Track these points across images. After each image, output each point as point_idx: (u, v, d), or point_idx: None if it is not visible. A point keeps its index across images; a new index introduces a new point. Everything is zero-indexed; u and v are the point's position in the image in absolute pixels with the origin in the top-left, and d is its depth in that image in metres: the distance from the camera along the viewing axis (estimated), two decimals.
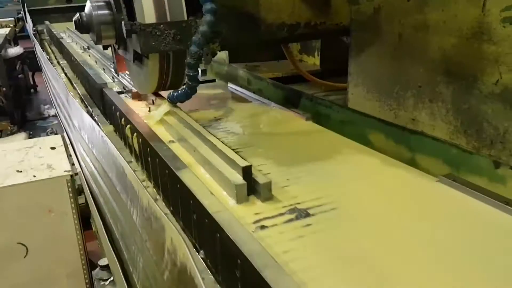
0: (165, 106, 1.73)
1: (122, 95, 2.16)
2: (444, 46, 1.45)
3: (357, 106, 1.85)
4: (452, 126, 1.49)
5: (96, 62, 3.06)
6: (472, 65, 1.38)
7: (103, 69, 2.78)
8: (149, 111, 1.89)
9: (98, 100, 2.17)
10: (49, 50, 4.74)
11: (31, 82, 9.09)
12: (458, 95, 1.44)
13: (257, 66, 3.04)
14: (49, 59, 3.94)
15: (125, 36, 1.54)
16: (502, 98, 1.32)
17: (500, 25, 1.29)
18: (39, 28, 6.18)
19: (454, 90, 1.45)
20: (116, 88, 2.29)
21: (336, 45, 2.53)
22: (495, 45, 1.31)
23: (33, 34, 4.92)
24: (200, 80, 2.24)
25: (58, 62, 3.74)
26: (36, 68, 7.85)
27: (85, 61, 3.04)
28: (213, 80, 2.50)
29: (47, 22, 5.86)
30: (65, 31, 4.81)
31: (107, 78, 2.61)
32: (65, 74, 3.23)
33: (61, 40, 4.04)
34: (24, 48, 7.82)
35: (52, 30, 4.95)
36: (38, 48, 4.65)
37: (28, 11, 6.39)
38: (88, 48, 3.57)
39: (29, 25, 5.97)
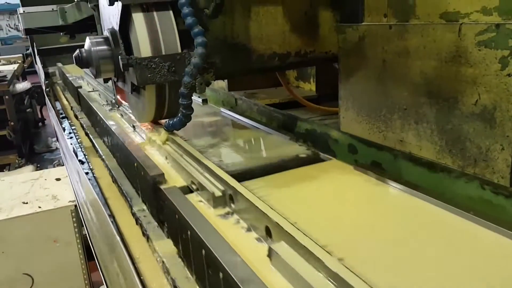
0: (163, 134, 1.80)
1: (193, 197, 1.33)
2: (425, 70, 1.52)
3: (349, 129, 1.91)
4: (437, 146, 1.54)
5: (134, 127, 2.12)
6: (452, 87, 1.44)
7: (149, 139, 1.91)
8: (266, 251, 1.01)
9: (149, 197, 1.38)
10: (63, 98, 3.91)
11: (39, 115, 9.28)
12: (441, 116, 1.50)
13: (255, 93, 3.13)
14: (63, 111, 3.24)
15: (122, 70, 1.63)
16: (482, 118, 1.37)
17: (475, 49, 1.35)
18: (50, 70, 5.24)
19: (437, 111, 1.51)
20: (180, 182, 1.46)
21: (330, 71, 2.61)
22: (472, 67, 1.37)
23: (46, 91, 4.06)
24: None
25: (76, 116, 2.99)
26: (44, 102, 8.02)
27: (118, 128, 1.96)
28: (321, 159, 1.63)
29: (59, 64, 4.94)
30: (83, 77, 3.89)
31: (160, 158, 1.70)
32: (87, 135, 2.44)
33: (79, 90, 3.16)
34: (32, 83, 8.03)
35: (67, 74, 4.09)
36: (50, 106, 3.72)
37: (38, 51, 5.52)
38: (117, 104, 2.68)
39: (39, 67, 4.98)
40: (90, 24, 3.08)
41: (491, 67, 1.31)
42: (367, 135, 1.81)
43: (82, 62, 1.77)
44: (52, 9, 3.93)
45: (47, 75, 4.74)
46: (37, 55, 5.32)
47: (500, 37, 1.27)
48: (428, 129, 1.56)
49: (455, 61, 1.42)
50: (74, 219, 2.81)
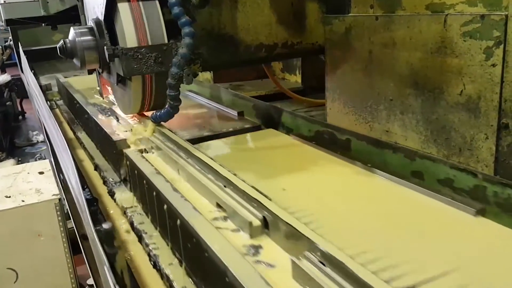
0: (150, 125, 1.78)
1: None
2: (411, 61, 1.54)
3: (335, 120, 1.92)
4: (422, 136, 1.56)
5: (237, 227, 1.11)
6: (438, 78, 1.47)
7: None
8: None
9: None
10: (75, 144, 2.40)
11: (19, 108, 9.12)
12: (426, 107, 1.52)
13: (240, 85, 3.13)
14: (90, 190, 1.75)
15: (107, 60, 1.61)
16: (466, 108, 1.40)
17: (461, 39, 1.37)
18: (43, 81, 3.62)
19: (423, 101, 1.53)
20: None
21: (316, 63, 2.63)
22: (458, 58, 1.39)
23: None
24: None
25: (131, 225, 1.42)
26: (24, 95, 7.87)
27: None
28: None
29: (61, 78, 3.17)
30: (114, 110, 2.23)
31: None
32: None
33: (128, 154, 1.60)
34: (11, 76, 7.87)
35: (79, 102, 2.39)
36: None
37: (26, 53, 3.66)
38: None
39: (30, 81, 3.25)
40: (73, 15, 3.03)
41: (476, 57, 1.33)
42: (353, 126, 1.83)
43: (67, 53, 1.75)
44: None
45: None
46: (23, 56, 3.58)
47: (485, 27, 1.29)
48: (414, 120, 1.58)
49: (440, 52, 1.44)
50: (58, 213, 2.77)
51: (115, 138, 1.70)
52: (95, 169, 1.95)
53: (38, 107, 2.80)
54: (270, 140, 1.84)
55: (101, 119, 2.04)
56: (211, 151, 1.66)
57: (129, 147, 1.66)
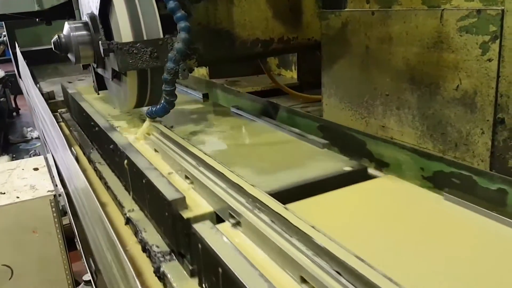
0: (146, 122, 1.77)
1: None
2: (408, 56, 1.54)
3: (331, 116, 1.92)
4: (419, 131, 1.56)
5: None
6: (434, 73, 1.47)
7: None
8: None
9: None
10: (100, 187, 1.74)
11: (13, 105, 9.07)
12: (422, 102, 1.52)
13: (236, 81, 3.12)
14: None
15: (102, 55, 1.60)
16: (463, 103, 1.40)
17: (457, 34, 1.37)
18: (43, 86, 3.30)
19: (419, 97, 1.53)
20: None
21: (312, 59, 2.62)
22: (454, 53, 1.39)
23: None
24: None
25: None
26: (18, 91, 7.82)
27: None
28: None
29: (70, 89, 2.70)
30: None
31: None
32: None
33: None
34: (5, 72, 7.83)
35: (105, 131, 1.73)
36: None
37: (23, 54, 3.41)
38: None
39: (27, 85, 3.09)
40: (68, 10, 3.00)
41: (472, 52, 1.33)
42: (349, 122, 1.83)
43: (61, 48, 1.73)
44: None
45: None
46: (21, 60, 3.22)
47: (481, 22, 1.29)
48: (410, 115, 1.58)
49: (437, 47, 1.44)
50: (53, 209, 2.76)
51: (170, 196, 1.09)
52: (127, 223, 1.35)
53: (43, 126, 2.37)
54: (402, 198, 1.15)
55: (139, 157, 1.37)
56: (326, 228, 0.89)
57: (187, 207, 1.09)
